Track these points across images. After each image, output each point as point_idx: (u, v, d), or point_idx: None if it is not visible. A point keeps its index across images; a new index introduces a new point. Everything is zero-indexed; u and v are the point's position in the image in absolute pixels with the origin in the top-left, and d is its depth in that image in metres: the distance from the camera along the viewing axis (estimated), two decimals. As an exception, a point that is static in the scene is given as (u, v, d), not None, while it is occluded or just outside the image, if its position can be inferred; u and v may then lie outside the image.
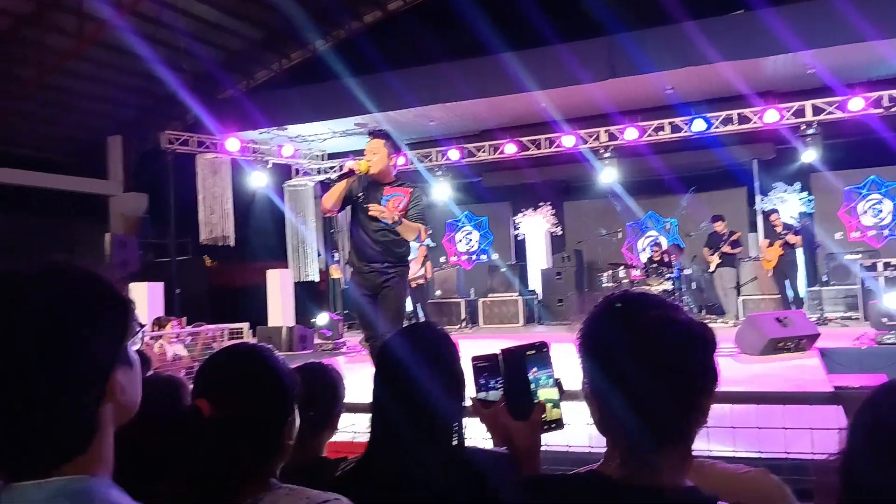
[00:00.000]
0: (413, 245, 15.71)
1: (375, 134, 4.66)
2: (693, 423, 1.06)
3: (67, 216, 15.15)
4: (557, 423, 1.42)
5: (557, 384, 1.42)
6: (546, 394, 1.41)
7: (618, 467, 1.07)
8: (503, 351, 1.44)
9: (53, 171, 14.30)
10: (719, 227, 11.50)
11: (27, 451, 0.85)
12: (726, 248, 11.28)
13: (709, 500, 1.02)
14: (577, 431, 1.48)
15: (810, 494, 1.36)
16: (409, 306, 13.56)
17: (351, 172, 4.50)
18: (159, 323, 8.87)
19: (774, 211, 11.40)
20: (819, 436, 2.11)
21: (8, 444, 0.86)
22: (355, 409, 3.14)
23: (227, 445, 1.25)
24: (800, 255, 11.27)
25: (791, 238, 10.63)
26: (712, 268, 11.54)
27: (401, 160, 14.31)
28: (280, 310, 12.26)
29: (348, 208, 4.76)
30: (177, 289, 12.64)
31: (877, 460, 0.97)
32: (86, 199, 15.10)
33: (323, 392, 1.93)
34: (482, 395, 1.61)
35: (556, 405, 1.41)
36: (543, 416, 1.41)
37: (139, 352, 1.72)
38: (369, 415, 2.48)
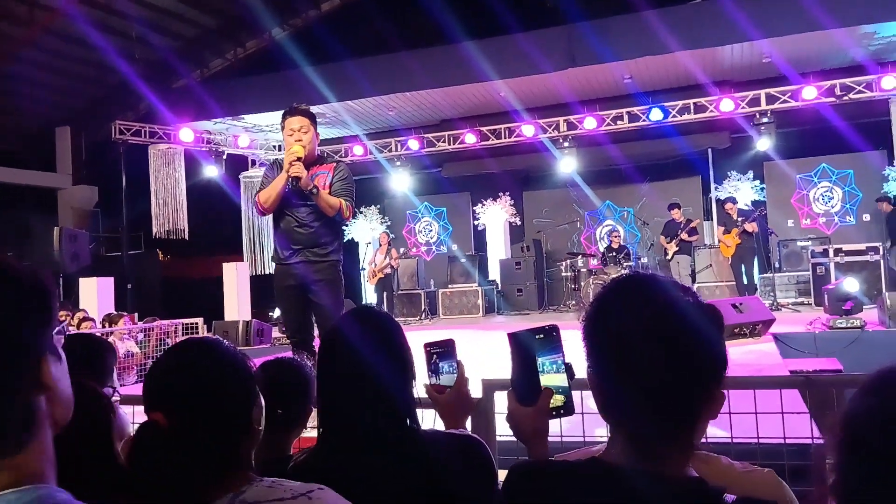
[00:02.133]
0: (374, 236, 15.39)
1: (299, 111, 4.20)
2: (702, 411, 1.02)
3: (16, 209, 14.68)
4: (566, 409, 1.37)
5: (567, 369, 1.36)
6: (554, 379, 1.36)
7: (620, 454, 1.03)
8: (510, 335, 1.39)
9: (1, 163, 13.83)
10: (676, 214, 11.68)
11: None
12: (684, 236, 11.46)
13: (715, 492, 0.98)
14: (571, 420, 1.45)
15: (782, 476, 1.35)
16: (374, 297, 13.50)
17: (298, 160, 4.03)
18: (110, 319, 8.62)
19: (731, 199, 11.57)
20: (776, 420, 2.12)
21: None
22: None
23: (191, 450, 1.18)
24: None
25: (748, 225, 10.81)
26: (669, 255, 11.70)
27: (359, 150, 14.22)
28: (236, 304, 12.06)
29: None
30: (129, 283, 12.34)
31: (880, 445, 0.93)
32: (34, 191, 14.65)
33: (293, 389, 1.85)
34: (433, 380, 1.65)
35: (563, 391, 1.36)
36: (551, 402, 1.36)
37: (105, 340, 1.63)
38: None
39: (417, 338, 1.57)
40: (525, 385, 1.36)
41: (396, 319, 1.60)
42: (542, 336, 1.37)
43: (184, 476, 1.17)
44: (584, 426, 1.89)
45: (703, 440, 1.62)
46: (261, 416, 1.31)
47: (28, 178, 14.45)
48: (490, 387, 2.24)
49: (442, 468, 1.39)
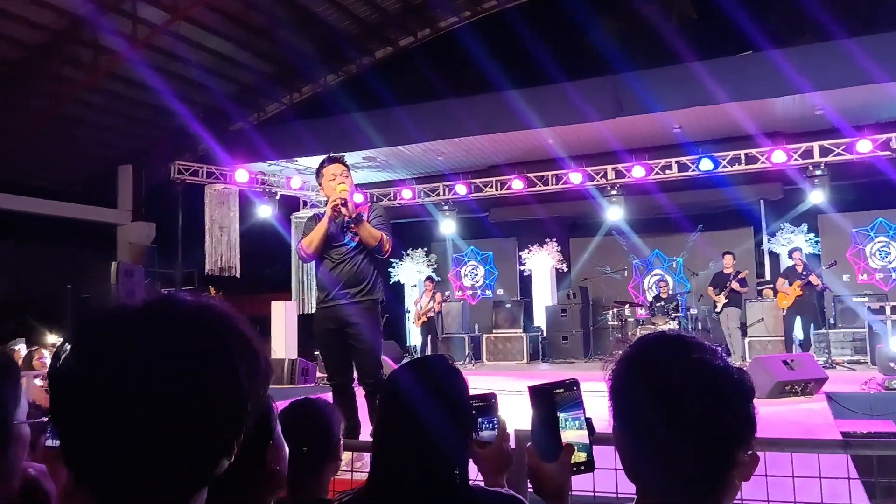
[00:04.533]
0: (420, 279, 15.42)
1: (336, 159, 4.40)
2: (726, 475, 1.00)
3: (76, 244, 15.22)
4: (587, 465, 1.35)
5: (588, 424, 1.36)
6: (575, 435, 1.35)
7: None
8: (531, 389, 1.38)
9: (64, 199, 14.41)
10: (728, 262, 11.33)
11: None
12: (734, 286, 11.07)
13: None
14: (603, 476, 1.43)
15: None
16: (418, 340, 13.53)
17: (345, 203, 4.17)
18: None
19: (797, 249, 11.27)
20: (828, 484, 2.06)
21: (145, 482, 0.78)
22: (355, 448, 3.10)
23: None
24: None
25: (814, 279, 10.52)
26: (719, 307, 11.40)
27: (407, 193, 14.44)
28: (283, 342, 12.19)
29: None
30: (181, 319, 12.59)
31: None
32: (94, 227, 15.18)
33: (314, 427, 1.90)
34: (476, 435, 1.59)
35: (584, 448, 1.35)
36: (573, 458, 1.35)
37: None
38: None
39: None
40: (547, 441, 1.35)
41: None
42: (562, 391, 1.36)
43: None
44: (617, 482, 1.88)
45: (739, 502, 1.59)
46: (277, 459, 1.34)
47: (90, 214, 15.00)
48: (524, 438, 2.23)
49: None
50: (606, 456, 1.48)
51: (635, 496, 1.10)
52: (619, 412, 1.07)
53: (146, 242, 15.41)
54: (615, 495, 1.91)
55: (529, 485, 1.46)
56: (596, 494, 2.04)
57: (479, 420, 1.53)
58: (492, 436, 1.54)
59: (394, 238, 4.43)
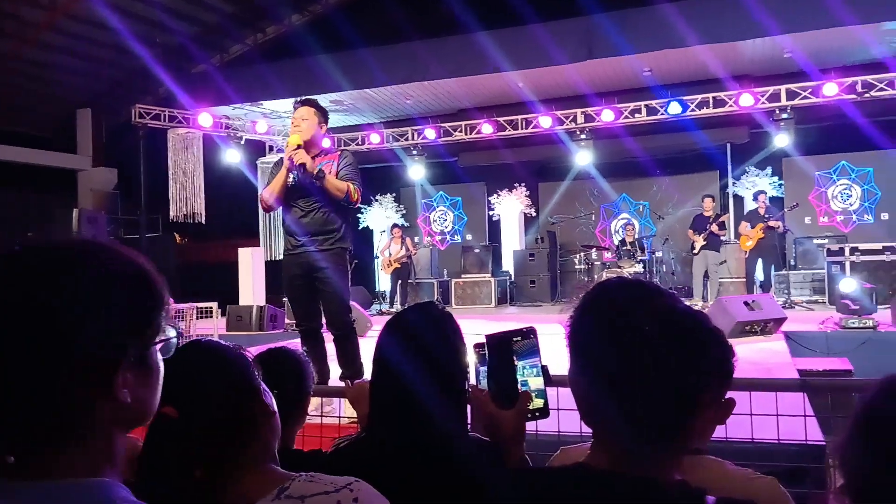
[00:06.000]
0: (388, 225, 15.33)
1: (304, 102, 4.37)
2: (687, 421, 0.99)
3: (37, 191, 14.86)
4: (542, 412, 1.37)
5: (544, 372, 1.36)
6: (532, 382, 1.36)
7: (604, 459, 1.02)
8: (488, 337, 1.38)
9: (23, 145, 13.99)
10: (708, 205, 11.34)
11: (8, 441, 0.79)
12: (714, 228, 11.07)
13: (696, 494, 0.96)
14: (567, 416, 1.45)
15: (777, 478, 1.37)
16: (387, 286, 13.56)
17: (299, 147, 4.12)
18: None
19: (762, 192, 11.41)
20: (784, 422, 2.14)
21: None
22: (324, 393, 3.13)
23: (204, 438, 1.22)
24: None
25: (772, 222, 10.70)
26: (696, 249, 11.41)
27: (375, 138, 14.23)
28: (251, 288, 12.15)
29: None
30: (146, 266, 12.47)
31: (872, 451, 1.00)
32: (55, 173, 14.80)
33: (287, 374, 1.87)
34: (476, 382, 1.57)
35: (540, 394, 1.36)
36: (528, 404, 1.36)
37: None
38: (340, 399, 2.48)
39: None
40: (504, 388, 1.36)
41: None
42: (520, 339, 1.36)
43: (206, 466, 1.20)
44: (581, 422, 1.93)
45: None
46: (266, 408, 1.34)
47: (49, 160, 14.60)
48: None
49: (476, 475, 1.40)
50: (570, 396, 1.51)
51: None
52: (576, 356, 1.06)
53: (108, 188, 15.09)
54: (580, 434, 1.96)
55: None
56: (560, 434, 2.09)
57: (480, 368, 1.51)
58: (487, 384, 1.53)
59: (363, 186, 4.38)
